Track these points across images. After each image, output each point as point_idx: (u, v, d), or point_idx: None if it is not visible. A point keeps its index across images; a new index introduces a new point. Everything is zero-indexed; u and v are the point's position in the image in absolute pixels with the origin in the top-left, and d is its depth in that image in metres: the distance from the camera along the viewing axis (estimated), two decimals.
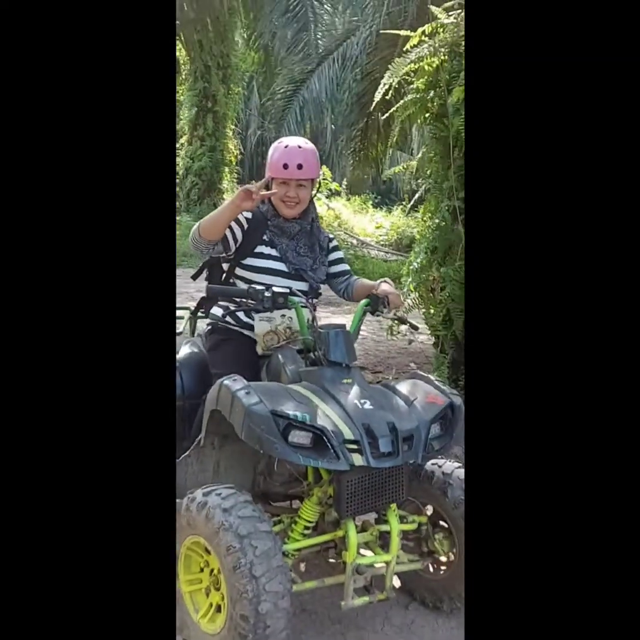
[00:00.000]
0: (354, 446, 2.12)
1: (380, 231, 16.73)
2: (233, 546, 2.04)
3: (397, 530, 2.30)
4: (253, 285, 2.42)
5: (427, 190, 4.88)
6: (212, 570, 2.23)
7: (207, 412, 2.38)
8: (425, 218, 4.69)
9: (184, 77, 15.27)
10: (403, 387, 2.46)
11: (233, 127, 16.13)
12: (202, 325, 3.42)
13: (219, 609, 2.21)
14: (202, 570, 2.29)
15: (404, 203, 16.51)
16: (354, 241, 15.06)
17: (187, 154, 15.28)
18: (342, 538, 2.29)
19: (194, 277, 3.17)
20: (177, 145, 15.65)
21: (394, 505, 2.34)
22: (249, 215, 2.77)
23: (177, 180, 15.30)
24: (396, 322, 2.86)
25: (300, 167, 2.68)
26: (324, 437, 2.10)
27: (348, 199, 19.41)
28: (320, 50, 10.17)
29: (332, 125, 22.34)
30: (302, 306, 2.54)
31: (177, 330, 3.27)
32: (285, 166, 2.68)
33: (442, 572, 2.60)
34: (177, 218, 13.74)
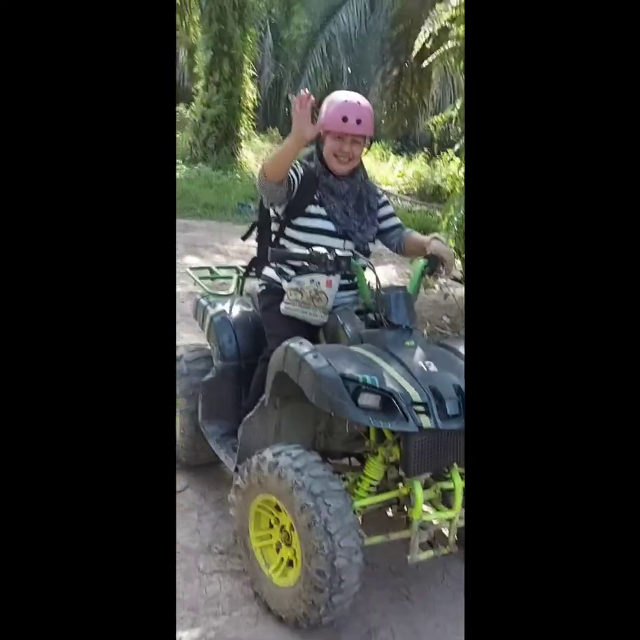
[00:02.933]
0: (422, 408, 2.16)
1: (402, 180, 16.23)
2: (307, 505, 2.11)
3: (461, 487, 2.37)
4: (315, 249, 2.43)
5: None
6: (282, 527, 2.31)
7: (271, 374, 2.43)
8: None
9: (198, 18, 14.73)
10: (463, 348, 2.49)
11: (250, 71, 15.32)
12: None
13: (290, 563, 2.30)
14: (271, 526, 2.38)
15: (425, 150, 16.16)
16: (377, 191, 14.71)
17: (202, 100, 14.65)
18: (406, 495, 2.37)
19: (244, 238, 3.19)
20: (193, 91, 15.20)
21: (456, 464, 2.40)
22: (301, 170, 2.76)
23: (193, 128, 14.90)
24: (454, 281, 2.86)
25: (359, 122, 2.63)
26: (393, 400, 2.15)
27: (368, 146, 18.86)
28: None
29: (348, 68, 21.85)
30: (366, 268, 2.53)
31: (228, 291, 3.32)
32: (345, 119, 2.62)
33: None
34: (195, 168, 13.57)
